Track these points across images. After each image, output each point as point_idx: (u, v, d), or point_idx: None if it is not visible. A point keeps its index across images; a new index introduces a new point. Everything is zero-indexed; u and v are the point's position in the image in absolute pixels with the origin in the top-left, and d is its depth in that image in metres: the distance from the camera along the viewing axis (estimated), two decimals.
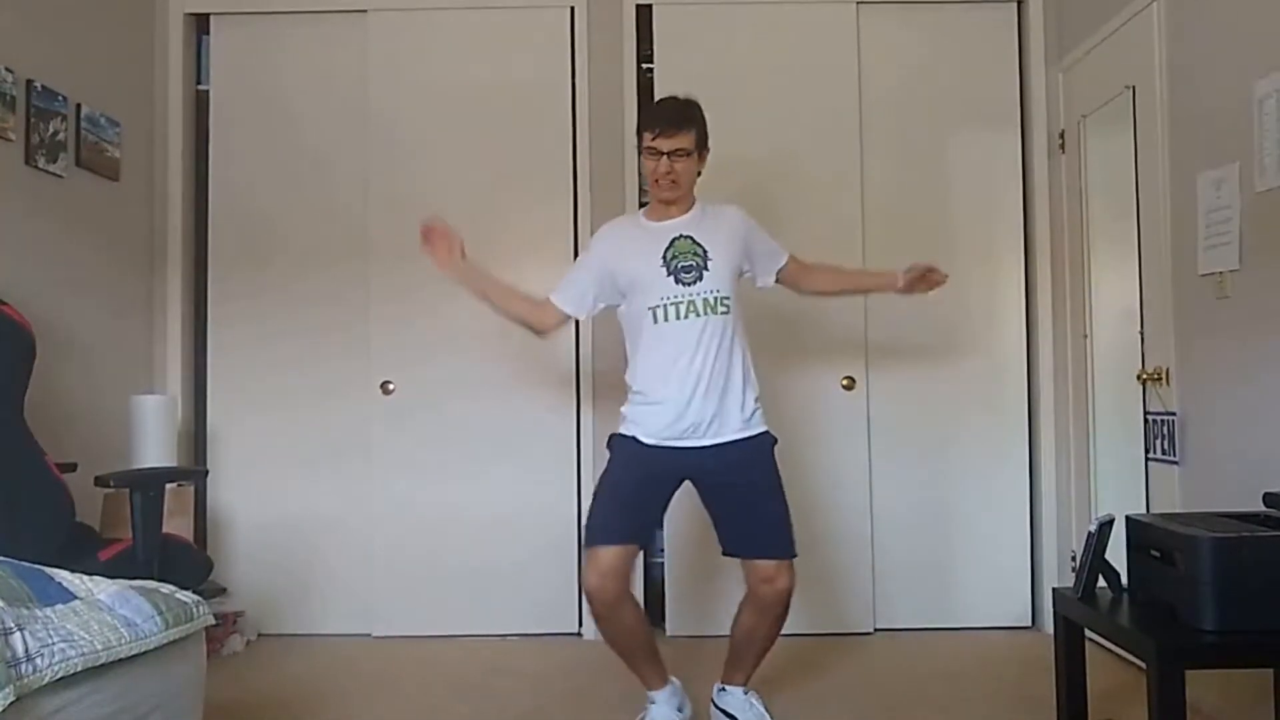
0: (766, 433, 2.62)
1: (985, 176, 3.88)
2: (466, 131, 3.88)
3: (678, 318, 2.53)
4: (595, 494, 2.64)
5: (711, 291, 2.54)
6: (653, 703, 2.67)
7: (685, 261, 2.55)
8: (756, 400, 2.62)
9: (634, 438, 2.60)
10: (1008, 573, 3.82)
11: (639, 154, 2.64)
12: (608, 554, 2.48)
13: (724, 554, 2.62)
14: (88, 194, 3.43)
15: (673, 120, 2.54)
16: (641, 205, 3.56)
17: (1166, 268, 2.97)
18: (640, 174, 3.64)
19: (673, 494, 2.62)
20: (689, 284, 2.54)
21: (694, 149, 2.57)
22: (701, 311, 2.53)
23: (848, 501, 3.79)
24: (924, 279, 2.75)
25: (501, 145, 3.87)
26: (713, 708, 2.75)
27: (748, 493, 2.57)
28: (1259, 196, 2.54)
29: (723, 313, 2.55)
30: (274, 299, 3.88)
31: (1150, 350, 3.10)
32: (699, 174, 2.65)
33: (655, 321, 2.55)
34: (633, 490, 2.57)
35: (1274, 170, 2.48)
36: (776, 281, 2.77)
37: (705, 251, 2.57)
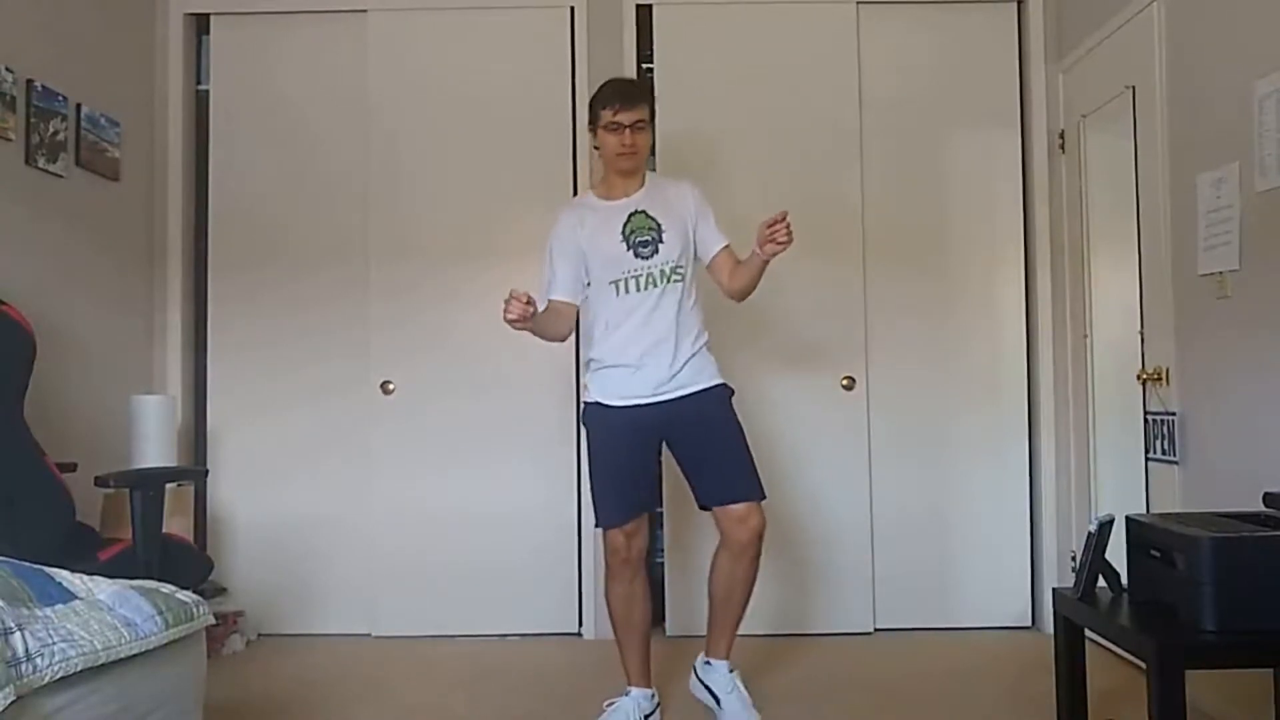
0: (725, 384, 2.76)
1: (985, 176, 3.88)
2: (466, 131, 3.88)
3: (639, 289, 2.69)
4: (591, 473, 2.76)
5: (666, 263, 2.70)
6: (627, 694, 2.76)
7: (642, 237, 2.71)
8: (710, 350, 2.77)
9: (607, 404, 2.72)
10: (1008, 573, 3.82)
11: (593, 134, 2.79)
12: (619, 532, 2.69)
13: (700, 508, 2.73)
14: (88, 194, 3.43)
15: (631, 95, 2.72)
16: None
17: (1166, 268, 2.97)
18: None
19: (660, 449, 2.77)
20: (646, 257, 2.70)
21: (649, 120, 2.75)
22: (659, 282, 2.69)
23: (848, 501, 3.78)
24: (770, 240, 2.54)
25: (501, 145, 3.87)
26: (694, 678, 2.82)
27: (717, 439, 2.69)
28: (1259, 196, 2.54)
29: (677, 280, 2.71)
30: (274, 299, 3.88)
31: (1150, 350, 3.10)
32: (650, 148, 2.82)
33: (618, 294, 2.70)
34: (625, 460, 2.71)
35: (1274, 170, 2.48)
36: (709, 267, 2.83)
37: (659, 225, 2.73)
